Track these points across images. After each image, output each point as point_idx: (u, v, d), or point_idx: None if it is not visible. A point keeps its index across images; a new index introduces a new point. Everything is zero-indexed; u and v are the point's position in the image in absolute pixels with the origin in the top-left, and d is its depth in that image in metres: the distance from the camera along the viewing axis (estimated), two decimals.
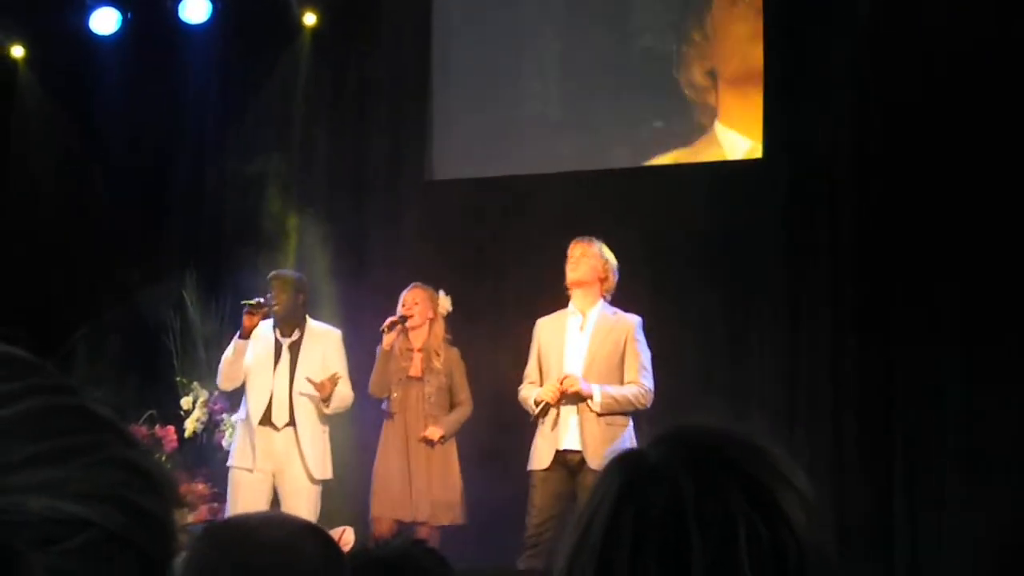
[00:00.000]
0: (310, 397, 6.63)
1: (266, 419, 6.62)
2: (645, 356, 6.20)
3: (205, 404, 7.75)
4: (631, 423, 6.13)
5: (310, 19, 8.77)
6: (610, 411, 6.07)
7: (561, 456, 6.13)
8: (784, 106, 7.66)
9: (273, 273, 6.84)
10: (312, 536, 1.68)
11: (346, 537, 6.27)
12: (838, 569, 1.06)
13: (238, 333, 6.67)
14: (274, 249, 8.04)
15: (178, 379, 7.98)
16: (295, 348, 6.71)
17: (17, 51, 9.18)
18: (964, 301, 7.08)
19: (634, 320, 6.27)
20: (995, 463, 6.84)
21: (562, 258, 6.51)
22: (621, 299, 7.13)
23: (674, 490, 1.03)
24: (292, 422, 6.62)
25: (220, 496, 7.30)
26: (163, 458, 7.69)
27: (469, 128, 8.52)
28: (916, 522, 7.03)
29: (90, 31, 8.89)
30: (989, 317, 7.01)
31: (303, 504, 6.43)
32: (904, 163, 7.29)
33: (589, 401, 6.06)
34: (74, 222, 8.90)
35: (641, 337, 6.22)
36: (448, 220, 8.21)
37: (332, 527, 5.90)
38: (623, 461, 1.09)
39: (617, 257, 6.65)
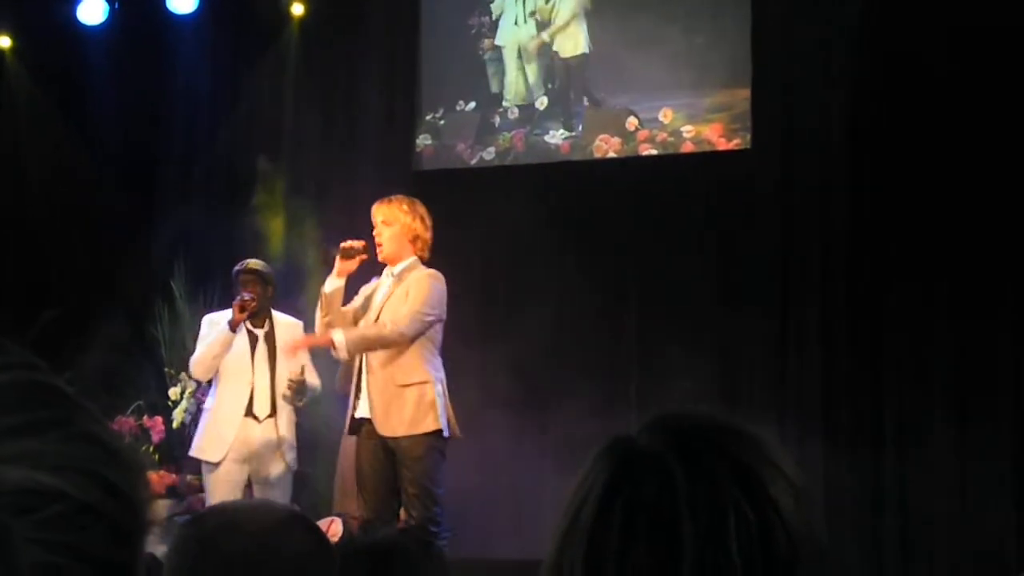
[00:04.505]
0: (288, 390, 6.60)
1: (248, 410, 6.62)
2: (426, 303, 5.85)
3: (193, 395, 7.73)
4: (434, 387, 5.80)
5: (298, 9, 8.75)
6: (359, 350, 5.81)
7: (361, 424, 5.93)
8: (773, 96, 7.66)
9: (244, 265, 6.81)
10: (297, 523, 1.68)
11: (334, 528, 6.27)
12: (827, 555, 1.06)
13: (226, 325, 6.65)
14: (263, 239, 8.03)
15: (166, 369, 7.97)
16: (270, 339, 6.72)
17: (4, 41, 9.15)
18: (956, 295, 7.09)
19: (430, 271, 5.99)
20: (987, 458, 6.86)
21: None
22: (608, 290, 7.15)
23: (665, 476, 1.03)
24: (273, 413, 6.63)
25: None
26: (151, 448, 7.69)
27: (458, 118, 8.51)
28: (907, 516, 7.05)
29: (78, 21, 8.85)
30: (981, 313, 7.02)
31: (279, 494, 6.44)
32: (897, 155, 7.29)
33: (333, 350, 5.82)
34: (62, 213, 8.87)
35: (431, 285, 5.90)
36: (436, 211, 8.19)
37: (318, 519, 5.89)
38: (613, 447, 1.10)
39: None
